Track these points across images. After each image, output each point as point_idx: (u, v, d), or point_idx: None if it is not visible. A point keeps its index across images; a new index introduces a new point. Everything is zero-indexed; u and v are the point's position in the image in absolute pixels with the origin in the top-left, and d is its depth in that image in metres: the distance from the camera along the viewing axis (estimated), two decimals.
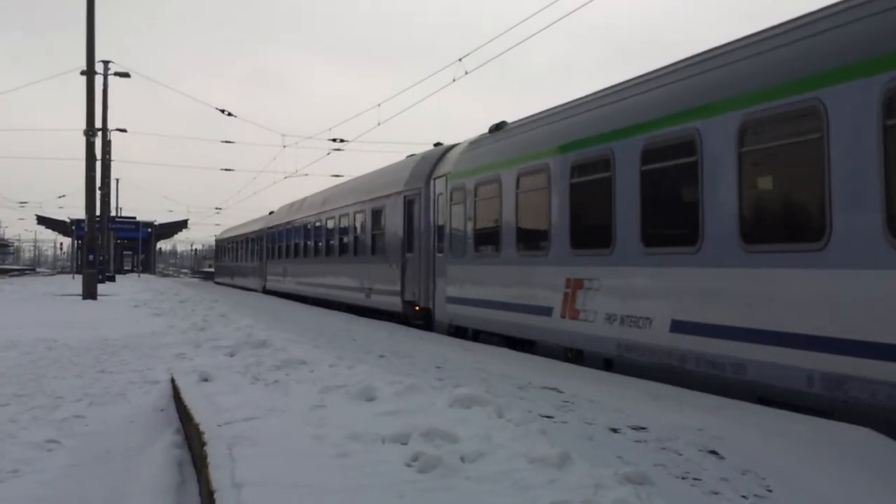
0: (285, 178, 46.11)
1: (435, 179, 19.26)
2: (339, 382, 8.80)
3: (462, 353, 13.67)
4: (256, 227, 47.55)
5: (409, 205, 20.76)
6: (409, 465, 5.46)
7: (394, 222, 21.99)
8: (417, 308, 20.06)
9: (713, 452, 6.27)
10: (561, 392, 9.17)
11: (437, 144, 21.68)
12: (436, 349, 14.18)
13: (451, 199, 17.67)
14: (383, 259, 22.74)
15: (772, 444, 6.61)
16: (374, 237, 24.16)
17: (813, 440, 6.74)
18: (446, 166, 18.69)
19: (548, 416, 7.51)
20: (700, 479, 5.51)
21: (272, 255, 42.20)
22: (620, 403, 8.43)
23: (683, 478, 5.55)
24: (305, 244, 34.03)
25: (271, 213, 45.56)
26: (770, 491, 5.32)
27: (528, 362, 12.43)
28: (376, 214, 23.93)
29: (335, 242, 28.88)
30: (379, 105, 29.90)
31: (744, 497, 5.18)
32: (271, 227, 42.58)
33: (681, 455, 6.17)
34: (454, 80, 21.79)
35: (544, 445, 5.83)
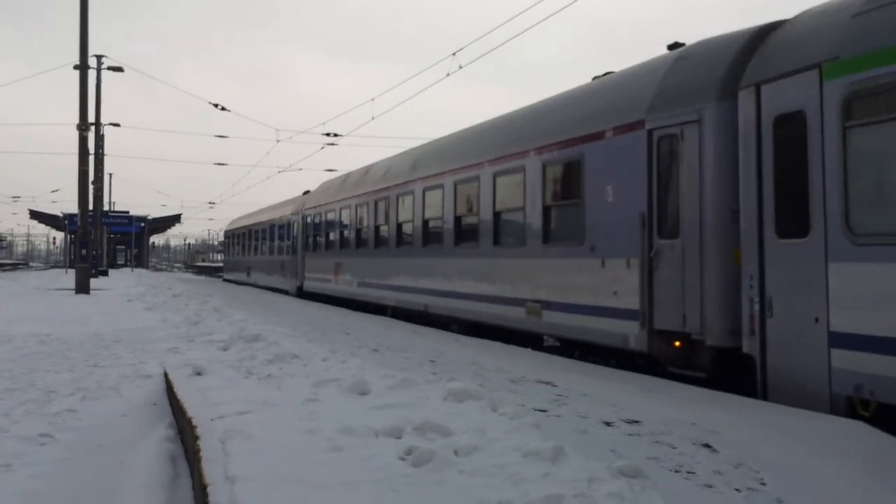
0: (279, 172, 45.53)
1: (760, 85, 9.34)
2: (333, 376, 8.79)
3: (457, 347, 13.66)
4: (286, 212, 36.72)
5: (658, 147, 11.03)
6: (402, 459, 5.45)
7: (613, 183, 12.08)
8: (678, 344, 10.69)
9: (707, 446, 6.27)
10: (555, 386, 9.16)
11: (674, 46, 12.37)
12: (430, 343, 14.16)
13: (866, 115, 8.04)
14: (578, 250, 12.84)
15: (766, 437, 6.62)
16: (548, 213, 14.04)
17: (807, 434, 6.75)
18: (804, 50, 8.86)
19: (541, 410, 7.50)
20: (694, 473, 5.51)
21: (312, 247, 31.32)
22: (614, 397, 8.42)
23: (677, 471, 5.55)
24: (377, 230, 23.38)
25: (306, 192, 35.50)
26: (764, 484, 5.32)
27: (523, 357, 12.42)
28: (557, 173, 13.91)
29: (443, 225, 18.35)
30: (373, 100, 29.89)
31: (737, 490, 5.17)
32: (312, 210, 31.46)
33: (674, 448, 6.17)
34: (448, 75, 21.71)
35: (538, 439, 5.82)
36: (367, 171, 26.32)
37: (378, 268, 23.17)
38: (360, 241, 24.98)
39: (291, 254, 34.67)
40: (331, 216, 28.47)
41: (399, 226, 21.63)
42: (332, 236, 28.47)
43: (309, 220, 31.88)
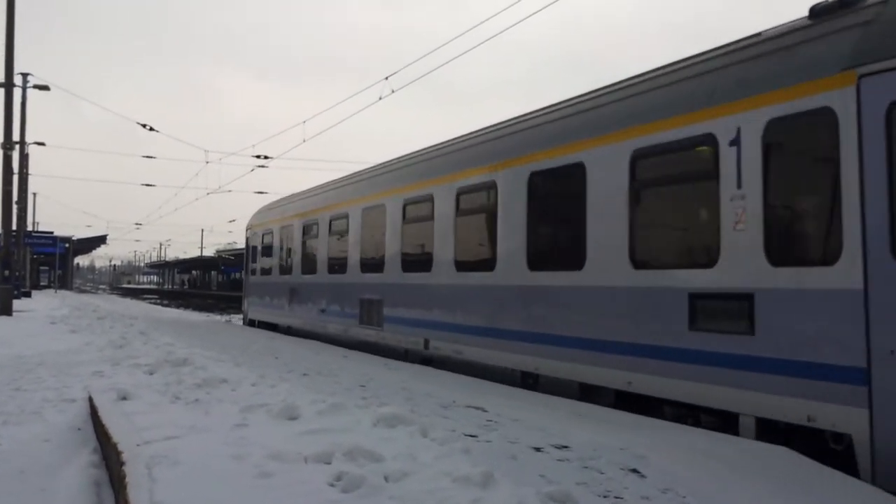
0: (208, 194, 44.85)
1: None
2: (262, 401, 8.70)
3: (386, 371, 13.62)
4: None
5: None
6: (332, 485, 5.42)
7: None
8: None
9: (635, 471, 6.34)
10: (485, 411, 9.20)
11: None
12: (360, 367, 14.10)
13: None
14: None
15: (693, 462, 6.71)
16: None
17: (733, 459, 6.87)
18: None
19: (472, 436, 7.52)
20: (621, 498, 5.58)
21: None
22: (544, 422, 8.48)
23: (605, 496, 5.61)
24: None
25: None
26: None
27: (453, 381, 12.44)
28: None
29: None
30: (304, 122, 29.72)
31: None
32: None
33: (603, 474, 6.24)
34: (381, 98, 21.83)
35: (468, 465, 5.84)
36: None
37: None
38: None
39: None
40: None
41: None
42: None
43: None
